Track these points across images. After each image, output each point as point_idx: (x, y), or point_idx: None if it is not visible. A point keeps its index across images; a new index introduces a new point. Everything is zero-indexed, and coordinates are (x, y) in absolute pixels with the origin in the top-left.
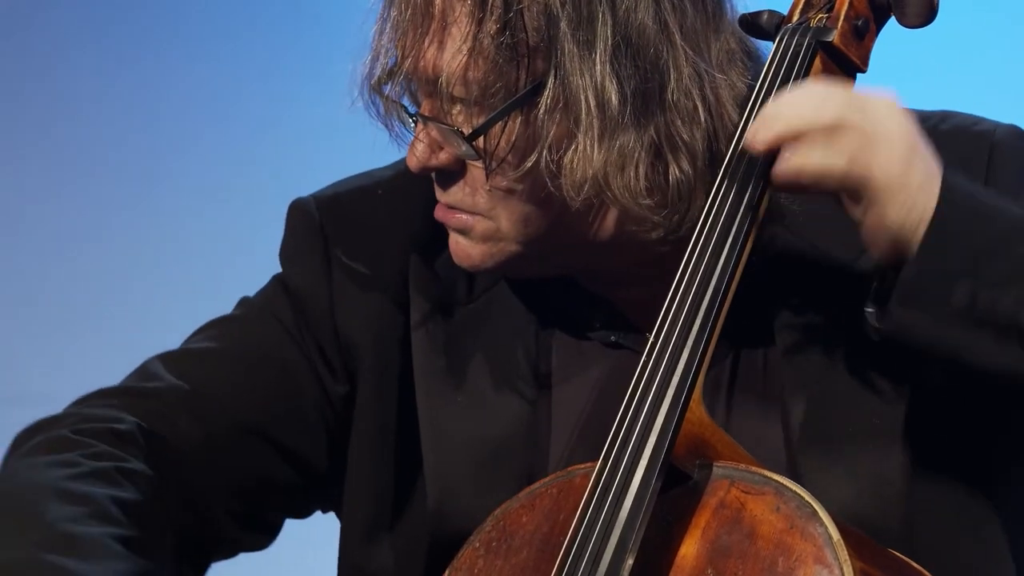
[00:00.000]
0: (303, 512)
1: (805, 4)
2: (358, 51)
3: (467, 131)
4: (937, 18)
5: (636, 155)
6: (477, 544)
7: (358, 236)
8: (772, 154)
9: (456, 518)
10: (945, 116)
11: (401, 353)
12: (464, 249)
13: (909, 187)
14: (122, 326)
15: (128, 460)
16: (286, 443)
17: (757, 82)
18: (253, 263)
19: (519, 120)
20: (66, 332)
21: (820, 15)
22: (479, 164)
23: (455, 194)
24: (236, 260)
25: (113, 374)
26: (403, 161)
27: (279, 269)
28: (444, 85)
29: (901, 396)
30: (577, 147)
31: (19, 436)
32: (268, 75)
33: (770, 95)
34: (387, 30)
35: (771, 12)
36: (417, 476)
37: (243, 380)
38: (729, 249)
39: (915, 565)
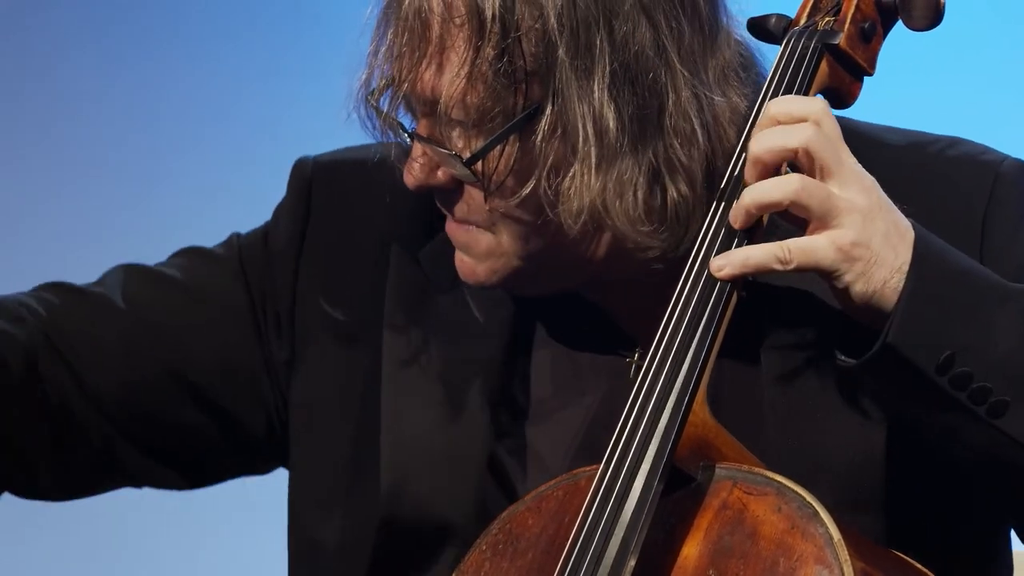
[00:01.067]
0: (230, 468)
1: (812, 7)
2: (356, 60)
3: (465, 155)
4: (944, 21)
5: (634, 181)
6: (484, 547)
7: (345, 205)
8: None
9: (408, 504)
10: (954, 142)
11: (371, 334)
12: (469, 267)
13: (867, 245)
14: None
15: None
16: (210, 395)
17: (761, 89)
18: None
19: (517, 145)
20: None
21: (827, 18)
22: (478, 187)
23: (456, 210)
24: None
25: None
26: None
27: None
28: (442, 109)
29: (881, 427)
30: (575, 175)
31: None
32: (268, 75)
33: (776, 97)
34: (383, 51)
35: (778, 16)
36: (374, 456)
37: (186, 319)
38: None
39: (916, 565)
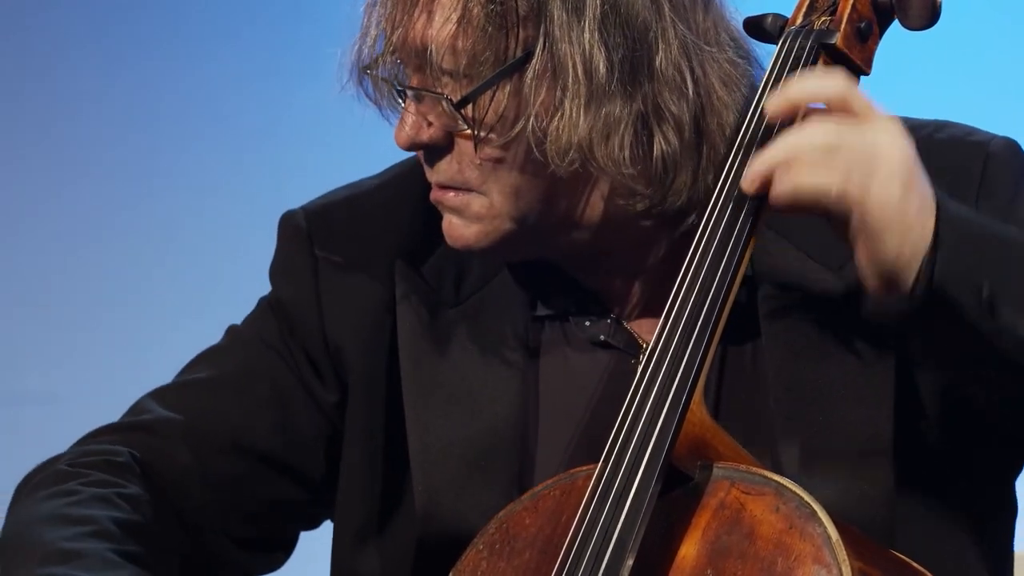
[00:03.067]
0: (313, 523)
1: (808, 7)
2: (348, 37)
3: (455, 98)
4: (940, 20)
5: (622, 124)
6: (480, 546)
7: (346, 246)
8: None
9: (443, 520)
10: (940, 126)
11: (389, 358)
12: (458, 230)
13: (906, 215)
14: (122, 326)
15: (126, 486)
16: (283, 461)
17: (759, 85)
18: (252, 263)
19: (507, 88)
20: (66, 331)
21: (823, 18)
22: (467, 137)
23: (445, 171)
24: (236, 260)
25: (113, 373)
26: (391, 170)
27: None
28: (433, 55)
29: (888, 397)
30: (563, 114)
31: (21, 482)
32: (267, 76)
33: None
34: (377, 6)
35: (775, 15)
36: (405, 479)
37: (234, 405)
38: (730, 254)
39: (914, 564)
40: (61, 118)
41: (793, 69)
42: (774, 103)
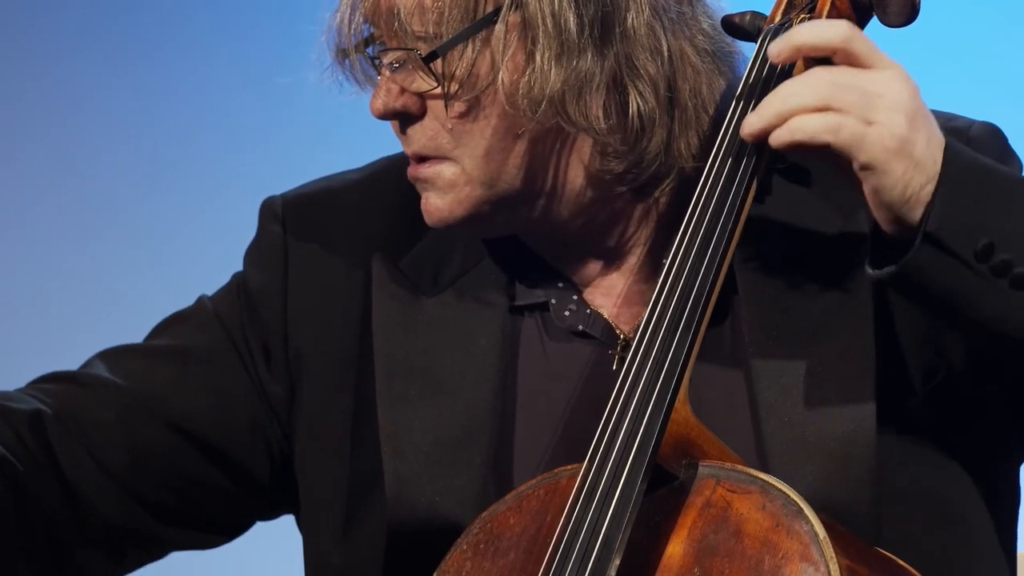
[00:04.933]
0: (254, 515)
1: (787, 4)
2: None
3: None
4: (919, 17)
5: (595, 80)
6: (464, 547)
7: (322, 237)
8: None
9: (413, 506)
10: None
11: (360, 347)
12: (433, 203)
13: (913, 147)
14: (120, 329)
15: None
16: (210, 443)
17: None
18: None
19: (477, 44)
20: (64, 336)
21: (802, 15)
22: (439, 98)
23: (418, 139)
24: (235, 263)
25: None
26: (373, 164)
27: None
28: (403, 17)
29: (871, 381)
30: (534, 67)
31: None
32: (265, 79)
33: (752, 95)
34: None
35: (753, 13)
36: (376, 467)
37: (174, 379)
38: (714, 249)
39: (900, 562)
40: (58, 122)
41: (773, 67)
42: (776, 47)
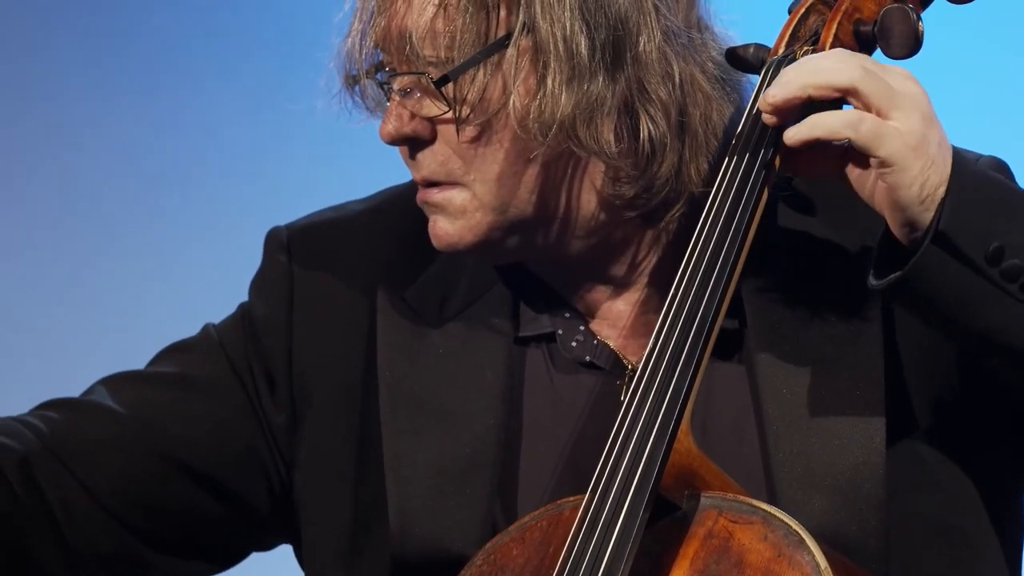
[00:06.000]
0: (250, 546)
1: (791, 37)
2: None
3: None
4: (923, 48)
5: (606, 105)
6: None
7: (327, 267)
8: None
9: (417, 537)
10: None
11: (365, 379)
12: (443, 229)
13: (929, 146)
14: (122, 350)
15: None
16: (205, 472)
17: (743, 114)
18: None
19: (488, 68)
20: (66, 356)
21: (805, 47)
22: (450, 122)
23: (429, 164)
24: (237, 284)
25: None
26: (378, 195)
27: None
28: (414, 42)
29: (881, 412)
30: (545, 91)
31: None
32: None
33: (756, 126)
34: (361, 1)
35: (757, 45)
36: (380, 499)
37: (173, 408)
38: (717, 278)
39: None
40: (60, 146)
41: None
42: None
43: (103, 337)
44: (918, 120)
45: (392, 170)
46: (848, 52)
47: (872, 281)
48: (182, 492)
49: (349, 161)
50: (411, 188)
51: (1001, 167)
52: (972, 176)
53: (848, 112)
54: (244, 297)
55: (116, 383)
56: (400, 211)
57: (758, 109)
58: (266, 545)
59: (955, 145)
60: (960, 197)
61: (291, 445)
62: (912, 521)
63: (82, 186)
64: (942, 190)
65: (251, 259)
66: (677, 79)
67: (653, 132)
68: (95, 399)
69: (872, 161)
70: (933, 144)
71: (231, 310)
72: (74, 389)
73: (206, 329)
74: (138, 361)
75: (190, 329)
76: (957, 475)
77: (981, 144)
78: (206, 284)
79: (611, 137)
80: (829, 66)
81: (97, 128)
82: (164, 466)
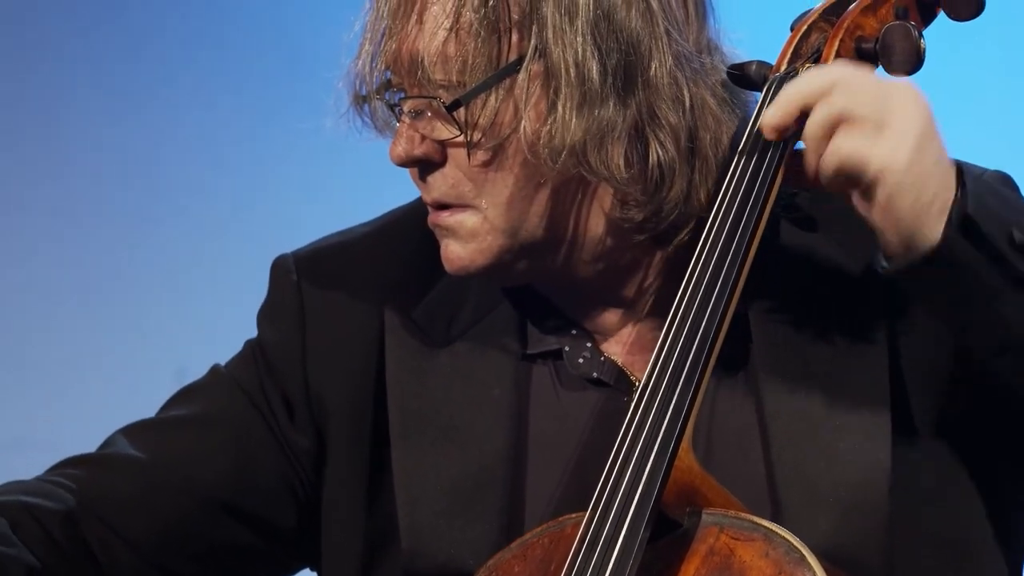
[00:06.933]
0: (284, 570)
1: (793, 54)
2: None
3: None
4: (924, 66)
5: (617, 129)
6: None
7: (336, 290)
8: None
9: (429, 556)
10: None
11: (376, 401)
12: (455, 252)
13: (922, 166)
14: (125, 372)
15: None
16: (237, 506)
17: (745, 129)
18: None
19: (500, 92)
20: (69, 377)
21: (807, 64)
22: (461, 146)
23: (439, 187)
24: (243, 303)
25: (115, 420)
26: (383, 217)
27: None
28: (425, 65)
29: (885, 426)
30: (556, 116)
31: None
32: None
33: (758, 143)
34: (370, 22)
35: (759, 63)
36: (392, 519)
37: (194, 447)
38: (718, 295)
39: None
40: (64, 163)
41: None
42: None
43: (105, 344)
44: (909, 141)
45: (398, 185)
46: (846, 66)
47: (884, 264)
48: (216, 528)
49: (355, 175)
50: (415, 208)
51: (1007, 181)
52: (975, 181)
53: (836, 140)
54: (248, 305)
55: (135, 432)
56: (405, 231)
57: (759, 127)
58: (295, 567)
59: (958, 160)
60: (977, 188)
61: (316, 466)
62: (916, 537)
63: (86, 196)
64: (940, 200)
65: (255, 267)
66: (688, 103)
67: (663, 157)
68: (116, 451)
69: (862, 187)
70: (927, 162)
71: (234, 316)
72: (76, 399)
73: (215, 369)
74: (139, 371)
75: (193, 339)
76: (960, 490)
77: (984, 160)
78: (210, 292)
79: (621, 162)
80: (817, 73)
81: (102, 138)
82: (194, 506)
